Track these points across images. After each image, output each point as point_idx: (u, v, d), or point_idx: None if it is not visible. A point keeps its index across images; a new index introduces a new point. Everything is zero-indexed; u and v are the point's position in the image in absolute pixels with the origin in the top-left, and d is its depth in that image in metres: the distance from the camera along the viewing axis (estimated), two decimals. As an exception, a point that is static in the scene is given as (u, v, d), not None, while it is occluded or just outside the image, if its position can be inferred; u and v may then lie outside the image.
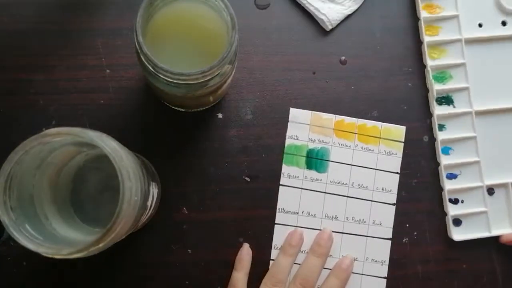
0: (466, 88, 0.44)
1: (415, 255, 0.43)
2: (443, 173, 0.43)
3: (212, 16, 0.33)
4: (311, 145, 0.43)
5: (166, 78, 0.31)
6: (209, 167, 0.42)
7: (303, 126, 0.43)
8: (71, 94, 0.41)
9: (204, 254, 0.41)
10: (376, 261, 0.42)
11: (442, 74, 0.44)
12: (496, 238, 0.43)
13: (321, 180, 0.42)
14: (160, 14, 0.33)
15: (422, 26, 0.44)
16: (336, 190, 0.42)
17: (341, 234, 0.42)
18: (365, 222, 0.42)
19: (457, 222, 0.43)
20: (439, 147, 0.43)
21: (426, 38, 0.44)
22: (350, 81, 0.44)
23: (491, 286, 0.43)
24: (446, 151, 0.43)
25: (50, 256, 0.26)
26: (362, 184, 0.43)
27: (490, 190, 0.43)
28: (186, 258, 0.41)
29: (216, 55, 0.30)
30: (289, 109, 0.43)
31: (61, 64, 0.42)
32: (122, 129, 0.41)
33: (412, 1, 0.45)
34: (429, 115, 0.44)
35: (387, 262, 0.42)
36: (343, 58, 0.44)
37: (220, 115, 0.43)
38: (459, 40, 0.44)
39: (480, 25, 0.45)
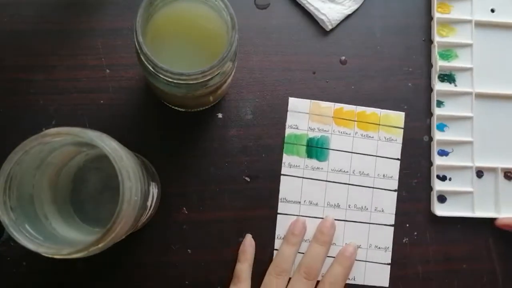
0: (470, 69, 0.44)
1: (415, 255, 0.43)
2: (435, 149, 0.43)
3: (212, 16, 0.33)
4: (311, 134, 0.43)
5: (166, 78, 0.31)
6: (209, 167, 0.42)
7: (303, 115, 0.43)
8: (71, 94, 0.41)
9: (204, 254, 0.41)
10: (379, 248, 0.42)
11: (448, 52, 0.44)
12: (496, 239, 0.43)
13: (322, 168, 0.42)
14: (160, 14, 0.33)
15: (435, 2, 0.44)
16: (337, 178, 0.43)
17: (343, 222, 0.42)
18: (367, 209, 0.42)
19: (441, 198, 0.43)
20: (434, 122, 0.43)
21: (437, 15, 0.44)
22: (350, 81, 0.44)
23: (491, 286, 0.43)
24: (441, 127, 0.43)
25: (50, 256, 0.26)
26: (363, 171, 0.43)
27: (479, 173, 0.44)
28: (186, 258, 0.41)
29: (216, 55, 0.30)
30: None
31: (61, 64, 0.42)
32: (122, 129, 0.41)
33: (413, 1, 0.45)
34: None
35: (390, 248, 0.42)
36: (343, 58, 0.44)
37: (220, 115, 0.43)
38: (469, 21, 0.45)
39: (492, 11, 0.45)
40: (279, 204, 0.42)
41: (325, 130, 0.43)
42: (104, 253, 0.28)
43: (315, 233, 0.41)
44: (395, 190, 0.43)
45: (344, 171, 0.43)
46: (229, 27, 0.31)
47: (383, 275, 0.42)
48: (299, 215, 0.42)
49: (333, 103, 0.43)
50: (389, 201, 0.43)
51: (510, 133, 0.44)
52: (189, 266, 0.41)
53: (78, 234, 0.31)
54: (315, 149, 0.43)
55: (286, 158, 0.42)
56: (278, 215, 0.42)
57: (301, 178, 0.42)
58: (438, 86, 0.44)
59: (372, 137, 0.43)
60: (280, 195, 0.42)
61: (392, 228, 0.43)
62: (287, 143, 0.42)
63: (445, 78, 0.44)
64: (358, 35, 0.44)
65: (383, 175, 0.43)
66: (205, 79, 0.31)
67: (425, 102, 0.44)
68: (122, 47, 0.42)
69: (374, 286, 0.42)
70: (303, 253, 0.41)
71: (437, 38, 0.44)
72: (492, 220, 0.43)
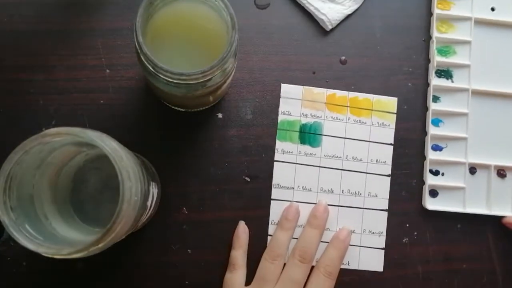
0: (468, 66, 0.44)
1: (415, 255, 0.43)
2: (429, 143, 0.43)
3: (212, 16, 0.33)
4: (304, 120, 0.43)
5: (166, 78, 0.31)
6: (209, 167, 0.42)
7: (295, 102, 0.43)
8: (71, 94, 0.41)
9: (204, 254, 0.41)
10: (373, 233, 0.42)
11: (447, 48, 0.44)
12: (496, 239, 0.43)
13: (315, 154, 0.42)
14: (160, 14, 0.33)
15: None
16: (330, 163, 0.43)
17: (337, 207, 0.42)
18: (360, 194, 0.43)
19: (433, 193, 0.43)
20: (429, 117, 0.43)
21: (437, 11, 0.44)
22: (350, 81, 0.44)
23: (491, 286, 0.43)
24: (436, 122, 0.43)
25: (50, 256, 0.26)
26: (356, 157, 0.43)
27: (472, 169, 0.44)
28: (186, 258, 0.41)
29: (216, 55, 0.30)
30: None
31: (61, 64, 0.42)
32: (122, 129, 0.41)
33: (413, 1, 0.45)
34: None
35: (384, 233, 0.42)
36: (343, 58, 0.44)
37: (220, 115, 0.43)
38: (469, 19, 0.45)
39: (492, 9, 0.45)
40: (273, 190, 0.42)
41: (318, 116, 0.43)
42: (104, 253, 0.28)
43: (308, 218, 0.42)
44: (388, 175, 0.43)
45: (337, 156, 0.43)
46: (229, 27, 0.31)
47: (377, 260, 0.42)
48: (292, 201, 0.42)
49: (325, 89, 0.43)
50: (383, 186, 0.43)
51: (504, 130, 0.44)
52: (189, 266, 0.41)
53: (78, 234, 0.31)
54: (308, 135, 0.43)
55: (279, 145, 0.42)
56: (272, 201, 0.42)
57: (294, 164, 0.42)
58: (435, 82, 0.44)
59: (365, 123, 0.43)
60: (274, 181, 0.42)
61: (386, 213, 0.43)
62: (280, 130, 0.43)
63: (443, 74, 0.44)
64: (358, 35, 0.44)
65: (376, 160, 0.43)
66: (205, 79, 0.31)
67: (425, 102, 0.44)
68: (122, 47, 0.42)
69: (369, 271, 0.42)
70: (297, 238, 0.41)
71: (436, 34, 0.44)
72: (493, 219, 0.43)
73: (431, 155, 0.43)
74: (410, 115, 0.44)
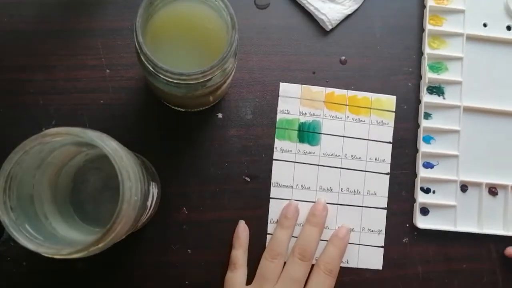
0: (459, 82, 0.44)
1: (415, 255, 0.43)
2: (420, 161, 0.43)
3: (212, 16, 0.33)
4: (303, 119, 0.43)
5: (166, 78, 0.31)
6: (209, 167, 0.42)
7: (294, 100, 0.43)
8: (71, 94, 0.41)
9: (204, 254, 0.41)
10: (372, 231, 0.42)
11: (439, 65, 0.44)
12: (496, 239, 0.43)
13: (314, 153, 0.43)
14: (160, 14, 0.33)
15: (427, 13, 0.44)
16: (329, 162, 0.43)
17: (336, 205, 0.43)
18: (359, 192, 0.43)
19: (424, 211, 0.43)
20: (421, 134, 0.43)
21: (429, 27, 0.44)
22: (350, 81, 0.44)
23: (491, 286, 0.43)
24: (427, 139, 0.43)
25: (50, 256, 0.26)
26: (355, 155, 0.43)
27: (464, 187, 0.43)
28: (186, 258, 0.41)
29: (216, 55, 0.30)
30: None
31: (61, 64, 0.42)
32: (122, 129, 0.41)
33: (413, 1, 0.45)
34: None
35: (383, 231, 0.42)
36: (343, 58, 0.44)
37: (220, 115, 0.43)
38: (461, 35, 0.44)
39: (485, 25, 0.45)
40: (272, 188, 0.42)
41: (316, 115, 0.43)
42: (104, 253, 0.28)
43: (307, 216, 0.42)
44: (387, 173, 0.43)
45: (336, 155, 0.43)
46: (229, 27, 0.31)
47: (376, 258, 0.42)
48: (291, 200, 0.42)
49: (324, 88, 0.43)
50: (382, 184, 0.43)
51: (496, 148, 0.44)
52: (189, 266, 0.41)
53: (78, 234, 0.31)
54: (307, 133, 0.43)
55: (277, 143, 0.42)
56: (271, 200, 0.42)
57: (293, 163, 0.42)
58: (426, 98, 0.43)
59: (364, 121, 0.43)
60: (272, 180, 0.42)
61: (385, 211, 0.43)
62: (278, 128, 0.43)
63: (434, 90, 0.44)
64: (358, 35, 0.44)
65: (375, 159, 0.43)
66: (205, 79, 0.31)
67: (425, 102, 0.44)
68: (122, 47, 0.42)
69: (369, 271, 0.42)
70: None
71: (427, 50, 0.44)
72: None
73: (422, 172, 0.43)
74: (410, 115, 0.44)
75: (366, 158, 0.43)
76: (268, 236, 0.42)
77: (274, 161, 0.42)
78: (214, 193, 0.42)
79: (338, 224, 0.42)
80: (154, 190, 0.36)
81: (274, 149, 0.42)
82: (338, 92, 0.43)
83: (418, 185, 0.43)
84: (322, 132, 0.43)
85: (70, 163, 0.33)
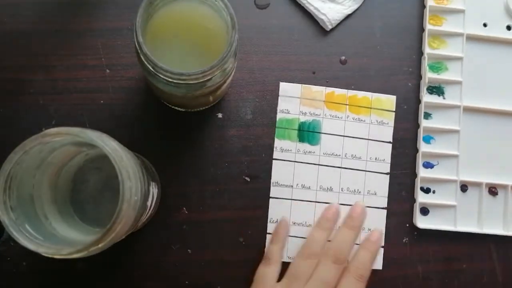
0: (459, 82, 0.44)
1: (415, 255, 0.43)
2: (420, 161, 0.43)
3: (212, 16, 0.33)
4: (303, 118, 0.43)
5: (166, 78, 0.31)
6: (209, 167, 0.42)
7: (294, 100, 0.43)
8: (71, 94, 0.41)
9: (204, 254, 0.41)
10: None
11: (439, 65, 0.44)
12: (497, 239, 0.43)
13: (314, 152, 0.43)
14: (160, 14, 0.33)
15: (427, 13, 0.44)
16: (329, 161, 0.43)
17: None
18: (360, 192, 0.43)
19: (424, 211, 0.43)
20: (421, 134, 0.43)
21: (429, 26, 0.44)
22: (350, 81, 0.44)
23: (491, 286, 0.43)
24: (427, 139, 0.43)
25: (50, 256, 0.26)
26: (355, 155, 0.43)
27: (464, 187, 0.43)
28: (186, 258, 0.41)
29: (216, 55, 0.30)
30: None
31: (61, 64, 0.42)
32: (122, 129, 0.41)
33: (413, 1, 0.45)
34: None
35: (383, 231, 0.42)
36: (343, 58, 0.44)
37: (220, 115, 0.43)
38: (461, 35, 0.44)
39: (484, 25, 0.45)
40: (271, 188, 0.42)
41: (316, 114, 0.43)
42: (104, 253, 0.28)
43: (345, 218, 0.41)
44: (387, 173, 0.43)
45: (336, 154, 0.43)
46: (229, 27, 0.31)
47: (376, 258, 0.42)
48: (291, 199, 0.42)
49: (324, 87, 0.43)
50: (382, 184, 0.43)
51: (496, 148, 0.44)
52: (189, 266, 0.41)
53: (78, 234, 0.31)
54: (307, 133, 0.43)
55: (277, 143, 0.42)
56: (271, 199, 0.42)
57: (293, 162, 0.42)
58: (426, 98, 0.43)
59: (364, 121, 0.43)
60: (272, 179, 0.42)
61: (385, 211, 0.43)
62: (278, 128, 0.43)
63: (434, 90, 0.44)
64: (358, 35, 0.44)
65: (375, 158, 0.43)
66: (205, 79, 0.31)
67: (425, 102, 0.44)
68: (122, 47, 0.42)
69: None
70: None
71: (427, 50, 0.44)
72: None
73: (422, 172, 0.43)
74: (410, 115, 0.44)
75: (366, 158, 0.43)
76: (268, 236, 0.42)
77: (274, 161, 0.42)
78: (214, 193, 0.42)
79: (338, 224, 0.42)
80: (154, 190, 0.36)
81: (274, 149, 0.42)
82: (338, 91, 0.43)
83: (418, 185, 0.43)
84: (322, 132, 0.43)
85: (70, 163, 0.33)
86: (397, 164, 0.43)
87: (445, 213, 0.43)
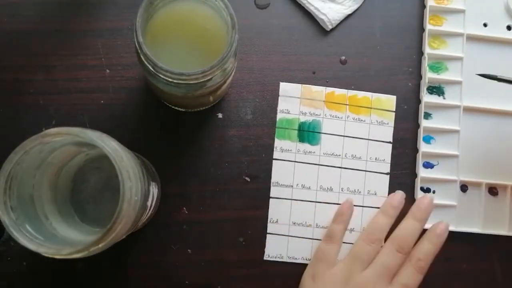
0: (459, 82, 0.44)
1: (415, 255, 0.43)
2: (420, 161, 0.43)
3: (212, 16, 0.33)
4: (303, 118, 0.43)
5: (166, 78, 0.31)
6: (209, 167, 0.42)
7: (294, 100, 0.43)
8: (71, 94, 0.41)
9: (204, 254, 0.41)
10: None
11: (439, 65, 0.44)
12: (497, 239, 0.43)
13: (314, 152, 0.43)
14: (160, 14, 0.33)
15: (427, 13, 0.44)
16: (329, 161, 0.43)
17: (336, 205, 0.42)
18: (360, 192, 0.43)
19: None
20: (421, 134, 0.43)
21: (429, 27, 0.44)
22: (350, 81, 0.44)
23: (491, 286, 0.43)
24: (427, 139, 0.43)
25: (50, 256, 0.26)
26: (355, 155, 0.43)
27: (464, 187, 0.43)
28: (186, 258, 0.41)
29: (216, 55, 0.30)
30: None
31: (61, 64, 0.42)
32: (122, 129, 0.41)
33: (413, 1, 0.45)
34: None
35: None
36: (343, 58, 0.44)
37: (220, 115, 0.43)
38: (461, 35, 0.44)
39: (485, 25, 0.45)
40: (272, 188, 0.42)
41: (316, 114, 0.43)
42: (104, 253, 0.27)
43: (412, 209, 0.41)
44: (387, 173, 0.43)
45: (336, 154, 0.43)
46: (229, 27, 0.31)
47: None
48: (291, 199, 0.42)
49: (324, 87, 0.43)
50: (382, 184, 0.43)
51: (496, 148, 0.44)
52: (189, 266, 0.41)
53: (79, 234, 0.31)
54: (307, 133, 0.43)
55: (277, 143, 0.42)
56: (271, 199, 0.42)
57: (293, 162, 0.42)
58: (427, 98, 0.43)
59: (364, 121, 0.43)
60: (272, 179, 0.42)
61: None
62: (278, 128, 0.43)
63: (434, 90, 0.44)
64: (358, 35, 0.44)
65: (375, 158, 0.43)
66: (205, 79, 0.31)
67: (425, 102, 0.44)
68: (122, 47, 0.42)
69: None
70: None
71: (428, 50, 0.44)
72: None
73: (422, 172, 0.43)
74: (410, 115, 0.44)
75: (366, 158, 0.43)
76: (268, 236, 0.42)
77: (274, 161, 0.42)
78: (214, 193, 0.42)
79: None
80: (154, 190, 0.36)
81: (274, 149, 0.42)
82: (338, 91, 0.43)
83: (418, 185, 0.43)
84: (322, 132, 0.43)
85: (70, 163, 0.33)
86: (397, 164, 0.43)
87: (445, 213, 0.43)
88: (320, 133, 0.43)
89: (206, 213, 0.41)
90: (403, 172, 0.43)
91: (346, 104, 0.43)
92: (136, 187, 0.27)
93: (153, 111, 0.42)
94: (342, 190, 0.43)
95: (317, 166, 0.43)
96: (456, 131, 0.44)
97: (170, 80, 0.31)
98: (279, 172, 0.42)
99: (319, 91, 0.43)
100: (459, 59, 0.44)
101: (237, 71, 0.42)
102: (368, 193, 0.43)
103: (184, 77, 0.30)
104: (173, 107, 0.41)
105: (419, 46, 0.45)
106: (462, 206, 0.43)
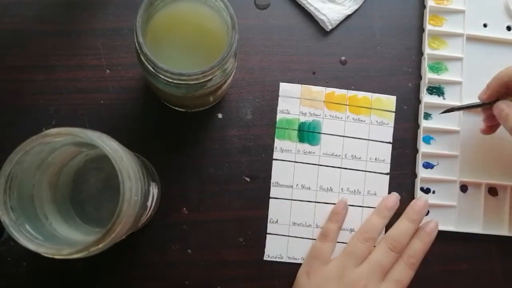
0: (459, 83, 0.44)
1: (415, 255, 0.43)
2: (419, 161, 0.43)
3: (212, 16, 0.33)
4: (303, 119, 0.43)
5: (166, 78, 0.31)
6: (209, 167, 0.42)
7: (294, 100, 0.43)
8: (71, 94, 0.41)
9: (204, 254, 0.41)
10: None
11: (439, 65, 0.44)
12: (497, 239, 0.43)
13: (314, 152, 0.43)
14: (160, 14, 0.33)
15: (427, 13, 0.44)
16: (329, 162, 0.43)
17: None
18: (360, 192, 0.43)
19: None
20: (421, 134, 0.43)
21: (429, 27, 0.44)
22: (350, 81, 0.44)
23: (491, 285, 0.43)
24: (427, 140, 0.43)
25: (50, 256, 0.26)
26: (355, 155, 0.43)
27: (464, 187, 0.43)
28: (186, 258, 0.41)
29: (216, 55, 0.30)
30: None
31: (61, 64, 0.42)
32: (122, 129, 0.41)
33: (413, 1, 0.45)
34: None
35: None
36: (343, 58, 0.44)
37: (220, 115, 0.43)
38: (461, 35, 0.44)
39: (485, 25, 0.45)
40: (272, 188, 0.42)
41: (316, 115, 0.43)
42: (104, 253, 0.28)
43: (406, 210, 0.42)
44: (387, 173, 0.43)
45: (336, 155, 0.43)
46: (229, 27, 0.31)
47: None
48: (291, 199, 0.42)
49: (324, 88, 0.43)
50: (382, 184, 0.43)
51: (496, 148, 0.44)
52: (189, 266, 0.41)
53: (78, 234, 0.31)
54: (307, 133, 0.43)
55: (277, 143, 0.43)
56: (271, 199, 0.42)
57: (293, 163, 0.43)
58: (426, 99, 0.44)
59: (364, 121, 0.43)
60: (272, 180, 0.42)
61: None
62: (278, 128, 0.43)
63: (434, 91, 0.44)
64: (358, 35, 0.44)
65: (375, 159, 0.43)
66: (205, 80, 0.31)
67: (425, 102, 0.44)
68: (122, 47, 0.42)
69: None
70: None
71: (427, 51, 0.44)
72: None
73: (422, 172, 0.43)
74: (410, 115, 0.44)
75: (366, 158, 0.43)
76: (268, 236, 0.42)
77: (274, 161, 0.42)
78: (214, 193, 0.42)
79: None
80: (154, 190, 0.36)
81: (274, 149, 0.42)
82: (338, 92, 0.43)
83: (418, 185, 0.43)
84: (322, 132, 0.43)
85: (70, 163, 0.33)
86: (397, 164, 0.43)
87: (445, 213, 0.43)
88: (320, 133, 0.43)
89: (206, 213, 0.41)
90: (403, 172, 0.43)
91: (346, 105, 0.43)
92: (136, 187, 0.27)
93: (153, 111, 0.42)
94: (342, 190, 0.43)
95: (317, 166, 0.43)
96: (456, 131, 0.44)
97: (170, 80, 0.31)
98: (279, 172, 0.42)
99: (319, 91, 0.43)
100: (459, 59, 0.44)
101: (237, 71, 0.42)
102: (368, 193, 0.43)
103: (184, 78, 0.30)
104: (173, 107, 0.41)
105: (419, 47, 0.45)
106: (462, 206, 0.43)
